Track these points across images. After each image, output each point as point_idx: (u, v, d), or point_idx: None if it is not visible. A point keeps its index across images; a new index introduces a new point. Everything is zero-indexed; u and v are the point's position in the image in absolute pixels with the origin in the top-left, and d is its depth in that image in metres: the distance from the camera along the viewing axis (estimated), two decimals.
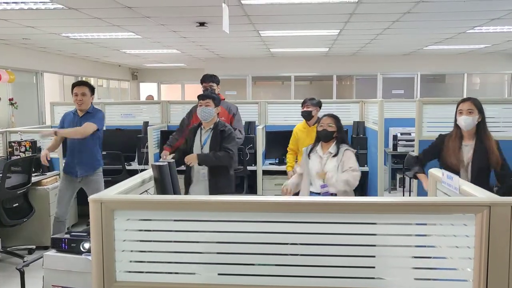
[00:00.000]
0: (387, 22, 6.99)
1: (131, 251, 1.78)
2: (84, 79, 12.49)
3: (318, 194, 3.59)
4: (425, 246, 1.71)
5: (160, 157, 5.80)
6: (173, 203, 1.71)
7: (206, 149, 4.01)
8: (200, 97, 4.13)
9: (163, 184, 2.04)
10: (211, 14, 6.05)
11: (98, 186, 4.49)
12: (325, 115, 3.79)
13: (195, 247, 1.76)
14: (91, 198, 1.66)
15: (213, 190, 3.90)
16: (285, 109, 6.55)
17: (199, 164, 3.93)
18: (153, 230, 1.77)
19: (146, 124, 6.20)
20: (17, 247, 4.93)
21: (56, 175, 5.42)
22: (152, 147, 5.76)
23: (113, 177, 5.68)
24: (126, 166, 5.85)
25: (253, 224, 1.71)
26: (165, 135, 6.04)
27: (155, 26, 6.90)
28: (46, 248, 4.97)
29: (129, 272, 1.75)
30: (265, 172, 5.74)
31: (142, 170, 5.83)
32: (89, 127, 4.34)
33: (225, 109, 4.86)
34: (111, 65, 13.97)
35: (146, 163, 5.81)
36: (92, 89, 4.55)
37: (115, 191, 1.79)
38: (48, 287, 2.82)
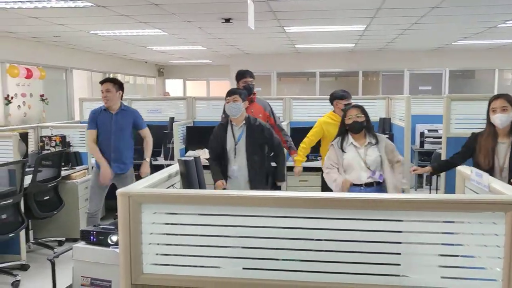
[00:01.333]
0: (414, 17, 6.87)
1: (158, 244, 1.81)
2: (111, 75, 12.73)
3: (360, 185, 3.52)
4: (452, 245, 1.69)
5: (185, 153, 5.89)
6: (198, 198, 1.73)
7: (242, 145, 4.00)
8: (227, 93, 4.13)
9: (189, 178, 2.06)
10: (236, 10, 6.07)
11: (131, 183, 4.55)
12: (350, 107, 3.74)
13: (220, 241, 1.77)
14: (119, 191, 1.69)
15: (251, 186, 3.97)
16: (310, 105, 6.53)
17: (282, 181, 4.24)
18: (179, 224, 1.79)
19: (172, 120, 6.28)
20: (48, 238, 5.06)
21: (85, 169, 5.54)
22: (177, 142, 5.82)
23: (139, 172, 5.77)
24: (152, 161, 5.92)
25: (278, 219, 1.72)
26: (190, 131, 6.10)
27: (181, 22, 6.95)
28: (75, 240, 5.10)
29: (156, 264, 1.78)
30: (290, 169, 5.70)
31: (168, 165, 5.92)
32: (150, 134, 4.78)
33: (261, 106, 4.83)
34: (137, 61, 14.16)
35: (172, 158, 5.89)
36: (119, 85, 4.58)
37: (143, 185, 1.82)
38: (77, 278, 2.88)
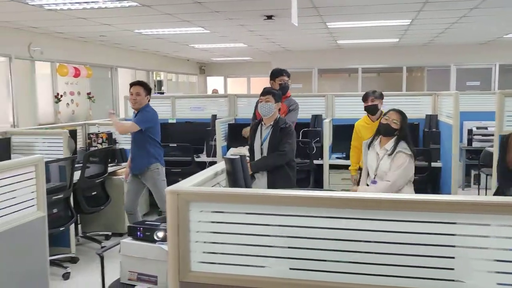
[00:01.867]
0: (463, 10, 6.61)
1: (205, 242, 1.81)
2: (154, 73, 12.99)
3: None
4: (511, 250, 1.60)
5: (227, 150, 5.93)
6: (246, 197, 1.72)
7: (266, 146, 4.00)
8: (262, 92, 4.12)
9: (235, 177, 2.06)
10: (278, 7, 6.04)
11: (154, 182, 4.55)
12: (392, 110, 3.65)
13: (267, 241, 1.76)
14: (168, 190, 1.71)
15: (271, 187, 3.91)
16: (353, 102, 6.41)
17: (254, 172, 3.88)
18: (226, 223, 1.79)
19: (214, 117, 6.33)
20: (95, 233, 5.22)
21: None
22: (220, 139, 5.86)
23: (183, 169, 5.87)
24: (195, 158, 6.00)
25: (326, 220, 1.69)
26: (232, 128, 6.14)
27: (223, 20, 6.99)
28: (120, 234, 5.25)
29: (203, 262, 1.79)
30: (332, 166, 5.65)
31: (210, 162, 5.99)
32: (129, 127, 4.52)
33: (286, 106, 4.82)
34: (180, 59, 14.37)
35: (214, 155, 5.94)
36: (147, 89, 4.57)
37: (190, 183, 1.84)
38: (125, 272, 2.95)
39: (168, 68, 13.81)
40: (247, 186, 2.11)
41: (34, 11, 6.00)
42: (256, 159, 4.01)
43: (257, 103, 4.79)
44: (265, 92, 4.04)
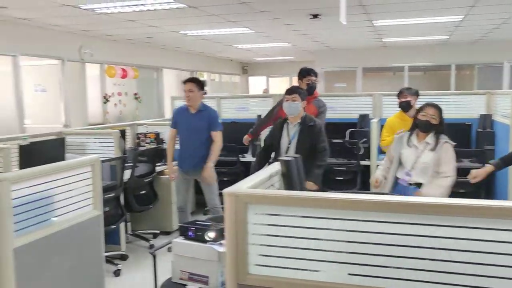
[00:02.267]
0: None
1: (260, 244, 1.80)
2: (197, 74, 13.15)
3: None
4: None
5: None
6: (305, 200, 1.69)
7: (294, 144, 3.99)
8: (287, 91, 4.10)
9: (290, 179, 2.04)
10: (325, 5, 5.97)
11: (209, 180, 4.61)
12: (429, 104, 3.55)
13: (325, 245, 1.73)
14: (226, 191, 1.70)
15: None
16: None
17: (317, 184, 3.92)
18: (283, 225, 1.77)
19: (259, 117, 6.32)
20: (144, 231, 5.33)
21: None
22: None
23: (228, 168, 5.90)
24: (240, 158, 6.02)
25: (387, 225, 1.63)
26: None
27: (268, 20, 6.98)
28: (167, 233, 5.33)
29: (260, 265, 1.77)
30: None
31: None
32: (220, 139, 4.61)
33: (315, 107, 4.74)
34: (223, 60, 14.49)
35: None
36: (200, 86, 4.61)
37: (247, 185, 1.82)
38: (176, 272, 2.98)
39: (211, 69, 13.96)
40: (302, 188, 2.08)
41: (86, 15, 6.19)
42: (281, 157, 3.98)
43: (279, 102, 4.77)
44: (291, 91, 4.03)
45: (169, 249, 3.54)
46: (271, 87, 16.74)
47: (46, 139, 4.62)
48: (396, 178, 3.56)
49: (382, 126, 5.77)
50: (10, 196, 2.12)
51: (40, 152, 4.33)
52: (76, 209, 2.56)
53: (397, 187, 3.53)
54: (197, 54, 12.54)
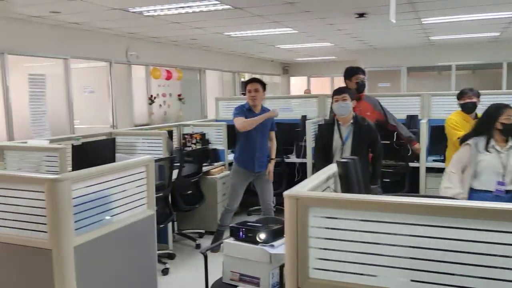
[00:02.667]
0: None
1: (320, 248, 1.76)
2: (239, 74, 13.22)
3: (490, 192, 3.19)
4: None
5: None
6: (368, 203, 1.64)
7: (349, 145, 3.93)
8: (336, 92, 4.05)
9: (348, 181, 1.99)
10: (371, 4, 5.86)
11: (268, 181, 4.71)
12: (508, 106, 3.34)
13: (386, 250, 1.67)
14: (287, 194, 1.68)
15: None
16: (450, 102, 6.04)
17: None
18: (343, 229, 1.72)
19: (304, 118, 6.27)
20: (190, 230, 5.38)
21: (222, 165, 5.77)
22: (310, 140, 5.79)
23: (273, 169, 5.87)
24: (285, 159, 5.98)
25: (455, 231, 1.56)
26: None
27: (313, 19, 6.92)
28: (212, 233, 5.37)
29: (320, 269, 1.74)
30: (429, 170, 5.36)
31: (300, 163, 5.95)
32: (275, 139, 4.86)
33: (370, 104, 4.67)
34: (264, 60, 14.50)
35: (304, 156, 5.88)
36: (264, 86, 4.70)
37: (306, 188, 1.79)
38: (227, 272, 2.98)
39: (252, 69, 13.99)
40: (361, 191, 2.03)
41: (133, 18, 6.33)
42: (335, 159, 3.93)
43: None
44: (340, 91, 3.99)
45: (213, 250, 3.54)
46: (312, 87, 16.61)
47: (97, 139, 4.74)
48: (475, 191, 3.28)
49: (431, 127, 5.62)
50: (71, 196, 2.17)
51: (92, 152, 4.45)
52: (131, 209, 2.60)
53: (472, 196, 3.25)
54: (238, 55, 12.60)
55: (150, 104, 9.15)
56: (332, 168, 2.11)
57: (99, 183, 2.38)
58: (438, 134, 5.43)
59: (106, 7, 5.58)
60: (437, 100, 6.04)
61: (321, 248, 1.77)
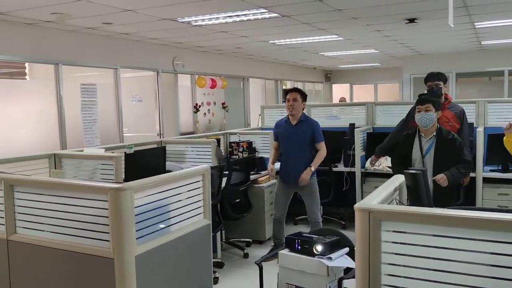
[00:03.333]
0: None
1: (391, 264, 1.68)
2: (281, 82, 13.19)
3: None
4: None
5: (366, 160, 5.72)
6: (448, 218, 1.55)
7: (430, 159, 3.74)
8: (418, 101, 3.86)
9: (417, 193, 1.90)
10: (422, 9, 5.69)
11: (313, 190, 4.63)
12: None
13: (463, 268, 1.58)
14: (357, 207, 1.61)
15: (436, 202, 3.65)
16: (505, 109, 5.79)
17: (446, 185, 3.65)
18: (414, 244, 1.64)
19: (352, 126, 6.16)
20: (238, 239, 5.36)
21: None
22: (359, 149, 5.68)
23: (320, 178, 5.78)
24: (332, 168, 5.88)
25: None
26: (370, 137, 5.91)
27: (360, 26, 6.80)
28: (260, 242, 5.33)
29: (389, 286, 1.66)
30: (486, 180, 5.13)
31: (348, 172, 5.83)
32: (324, 149, 4.64)
33: (452, 112, 4.45)
34: (306, 68, 14.43)
35: (353, 165, 5.77)
36: (303, 96, 4.66)
37: (376, 200, 1.72)
38: (282, 284, 2.93)
39: (295, 77, 13.95)
40: (429, 203, 1.93)
41: (182, 27, 6.42)
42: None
43: (410, 111, 4.51)
44: (424, 100, 3.78)
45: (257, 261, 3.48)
46: (354, 94, 16.38)
47: (149, 147, 4.82)
48: None
49: (488, 135, 5.38)
50: (134, 205, 2.18)
51: (144, 160, 4.52)
52: (189, 218, 2.60)
53: None
54: (281, 63, 12.59)
55: (195, 112, 9.25)
56: (399, 179, 2.02)
57: (159, 192, 2.39)
58: (495, 143, 5.19)
59: (156, 17, 5.68)
60: (493, 107, 5.80)
61: (393, 264, 1.70)
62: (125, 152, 4.30)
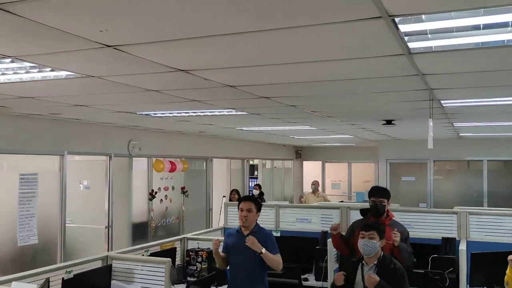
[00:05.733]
0: None
1: None
2: (247, 161, 13.19)
3: None
4: None
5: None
6: None
7: None
8: (363, 227, 3.95)
9: None
10: (401, 114, 5.88)
11: None
12: None
13: None
14: None
15: None
16: (489, 221, 5.76)
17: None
18: None
19: (325, 234, 6.01)
20: None
21: None
22: (332, 261, 5.51)
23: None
24: (302, 282, 5.68)
25: None
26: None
27: (334, 122, 6.94)
28: None
29: None
30: None
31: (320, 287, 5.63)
32: (280, 262, 4.34)
33: (393, 229, 4.47)
34: (276, 145, 14.54)
35: (325, 279, 5.56)
36: (258, 206, 4.50)
37: None
38: None
39: (263, 155, 14.01)
40: None
41: (140, 118, 6.36)
42: None
43: (351, 229, 4.57)
44: (368, 227, 3.90)
45: None
46: (327, 172, 16.49)
47: (92, 266, 4.56)
48: None
49: (471, 254, 5.29)
50: None
51: (85, 285, 4.25)
52: None
53: None
54: (248, 141, 12.64)
55: (151, 200, 9.01)
56: None
57: None
58: (480, 262, 5.12)
59: (112, 111, 5.61)
60: (476, 219, 5.81)
61: None
62: (62, 278, 4.03)
